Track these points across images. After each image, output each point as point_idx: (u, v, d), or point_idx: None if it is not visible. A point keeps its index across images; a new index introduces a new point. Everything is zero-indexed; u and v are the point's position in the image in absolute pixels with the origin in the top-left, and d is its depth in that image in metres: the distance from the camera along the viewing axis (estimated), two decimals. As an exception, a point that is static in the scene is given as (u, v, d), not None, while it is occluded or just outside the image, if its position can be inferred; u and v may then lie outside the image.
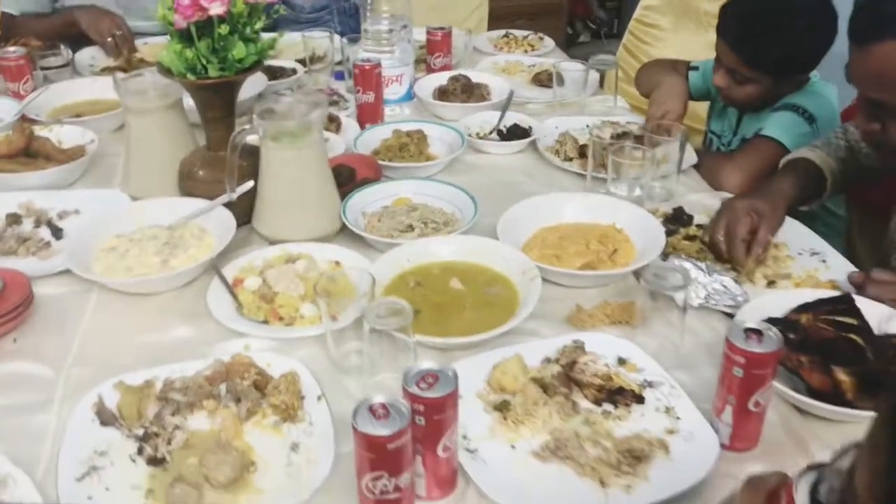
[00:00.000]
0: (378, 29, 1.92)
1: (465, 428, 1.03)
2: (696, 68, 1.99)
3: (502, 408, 1.07)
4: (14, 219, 1.49)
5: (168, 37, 1.37)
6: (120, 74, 1.57)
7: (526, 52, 2.45)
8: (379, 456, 0.85)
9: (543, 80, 2.15)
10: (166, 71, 1.38)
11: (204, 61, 1.33)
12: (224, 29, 1.30)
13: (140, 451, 1.00)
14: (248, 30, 1.36)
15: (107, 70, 2.14)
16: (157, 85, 1.51)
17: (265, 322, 1.23)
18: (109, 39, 2.26)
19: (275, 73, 2.12)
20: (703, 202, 1.58)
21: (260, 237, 1.44)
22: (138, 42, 2.35)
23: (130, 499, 0.95)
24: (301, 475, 0.97)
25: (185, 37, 1.33)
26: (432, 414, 0.90)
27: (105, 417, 1.04)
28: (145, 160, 1.54)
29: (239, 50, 1.34)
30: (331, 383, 1.11)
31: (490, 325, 1.19)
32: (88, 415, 1.05)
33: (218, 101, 1.44)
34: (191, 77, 1.35)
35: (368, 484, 0.87)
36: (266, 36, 1.41)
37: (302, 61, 2.15)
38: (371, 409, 0.86)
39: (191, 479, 0.95)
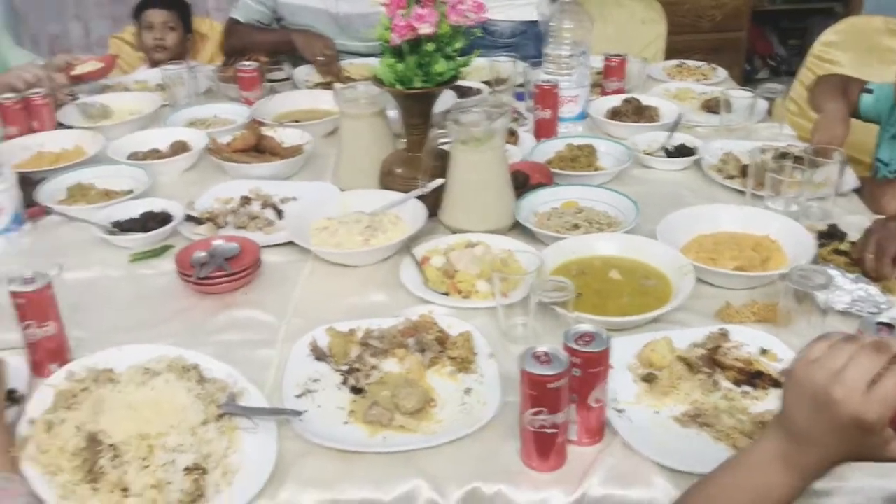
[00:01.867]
0: (559, 54, 2.09)
1: (614, 392, 1.17)
2: (870, 91, 2.02)
3: (649, 379, 1.21)
4: (246, 200, 1.79)
5: (368, 59, 1.57)
6: (338, 85, 1.85)
7: (698, 80, 2.52)
8: (540, 393, 1.02)
9: (712, 106, 2.21)
10: (379, 81, 1.63)
11: (411, 74, 1.58)
12: (430, 47, 1.54)
13: (344, 382, 1.23)
14: (449, 48, 1.59)
15: (320, 85, 2.46)
16: (368, 94, 1.77)
17: (446, 294, 1.44)
18: (321, 58, 2.54)
19: (463, 92, 2.35)
20: (860, 224, 1.62)
21: (444, 227, 1.66)
22: (346, 61, 2.65)
23: (336, 415, 1.17)
24: (472, 412, 1.16)
25: (396, 53, 1.58)
26: (587, 367, 1.05)
27: (318, 354, 1.28)
28: (354, 157, 1.80)
29: (440, 65, 1.57)
30: (499, 349, 1.29)
31: (644, 312, 1.33)
32: (305, 351, 1.29)
33: (418, 109, 1.68)
34: (399, 87, 1.60)
35: (530, 418, 1.04)
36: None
37: (488, 83, 2.37)
38: (535, 356, 1.03)
39: (385, 405, 1.16)
